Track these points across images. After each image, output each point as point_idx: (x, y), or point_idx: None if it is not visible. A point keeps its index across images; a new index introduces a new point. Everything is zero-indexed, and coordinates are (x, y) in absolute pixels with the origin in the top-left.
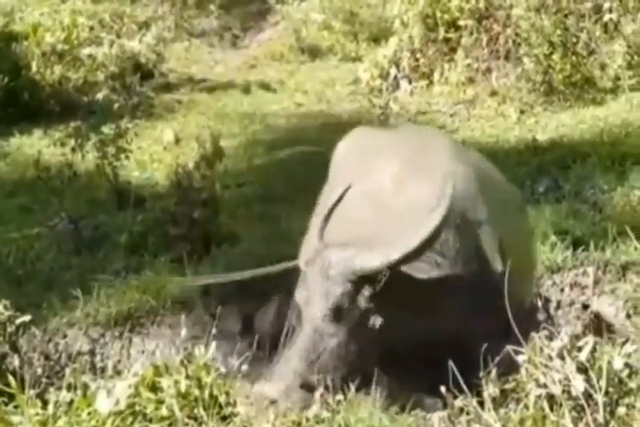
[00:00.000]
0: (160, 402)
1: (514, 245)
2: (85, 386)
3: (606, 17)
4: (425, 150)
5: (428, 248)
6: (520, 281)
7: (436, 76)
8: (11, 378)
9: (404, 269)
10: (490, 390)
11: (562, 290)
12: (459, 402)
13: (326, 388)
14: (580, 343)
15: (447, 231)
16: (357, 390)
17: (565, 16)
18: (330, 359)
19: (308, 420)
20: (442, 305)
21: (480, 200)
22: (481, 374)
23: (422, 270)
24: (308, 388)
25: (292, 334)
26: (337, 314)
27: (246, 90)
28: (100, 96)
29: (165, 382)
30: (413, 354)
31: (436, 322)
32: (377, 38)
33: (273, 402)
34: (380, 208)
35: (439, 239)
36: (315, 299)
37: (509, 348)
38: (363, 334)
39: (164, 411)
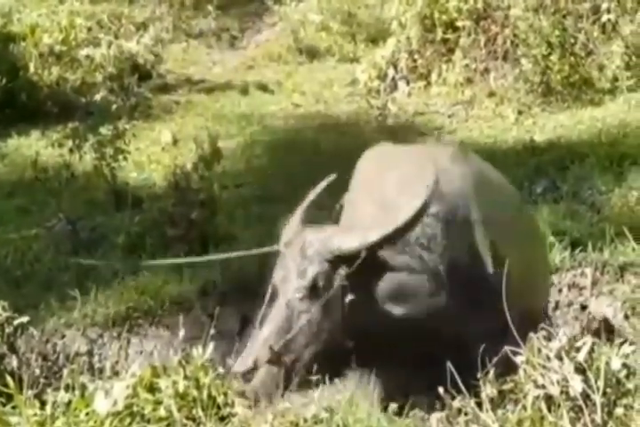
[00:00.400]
0: (158, 403)
1: (512, 249)
2: (83, 387)
3: (604, 17)
4: (430, 156)
5: (408, 232)
6: (520, 284)
7: (434, 76)
8: (9, 379)
9: (387, 258)
10: (488, 390)
11: (560, 291)
12: (457, 403)
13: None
14: (578, 344)
15: (435, 227)
16: (337, 374)
17: (563, 17)
18: (301, 336)
19: (306, 420)
20: (424, 300)
21: (475, 200)
22: (479, 374)
23: (405, 263)
24: (278, 363)
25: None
26: (312, 292)
27: (244, 91)
28: (97, 97)
29: (163, 382)
30: (403, 351)
31: (417, 317)
32: (375, 39)
33: (241, 375)
34: (381, 205)
35: (427, 235)
36: (291, 277)
37: (507, 349)
38: (336, 313)
39: (162, 412)
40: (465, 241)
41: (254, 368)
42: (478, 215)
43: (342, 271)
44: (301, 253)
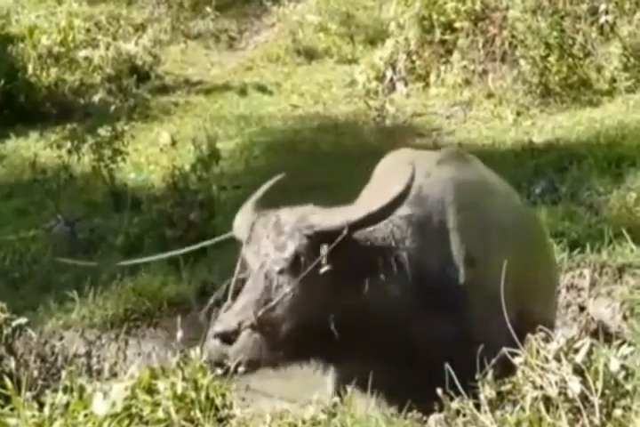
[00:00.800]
0: (156, 404)
1: (507, 254)
2: (82, 388)
3: (602, 19)
4: (431, 159)
5: (392, 213)
6: (514, 288)
7: (433, 77)
8: (7, 380)
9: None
10: (486, 392)
11: (558, 292)
12: (455, 404)
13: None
14: (577, 345)
15: (406, 230)
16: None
17: (562, 18)
18: (280, 308)
19: (304, 422)
20: (389, 297)
21: (456, 206)
22: (477, 376)
23: (371, 260)
24: (261, 329)
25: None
26: (293, 267)
27: (242, 92)
28: (96, 98)
29: (162, 384)
30: (384, 347)
31: (384, 311)
32: (373, 40)
33: (221, 336)
34: (374, 200)
35: (395, 237)
36: (267, 251)
37: (505, 350)
38: (314, 290)
39: (160, 413)
40: (438, 246)
41: (236, 331)
42: (457, 221)
43: (324, 249)
44: (276, 229)
